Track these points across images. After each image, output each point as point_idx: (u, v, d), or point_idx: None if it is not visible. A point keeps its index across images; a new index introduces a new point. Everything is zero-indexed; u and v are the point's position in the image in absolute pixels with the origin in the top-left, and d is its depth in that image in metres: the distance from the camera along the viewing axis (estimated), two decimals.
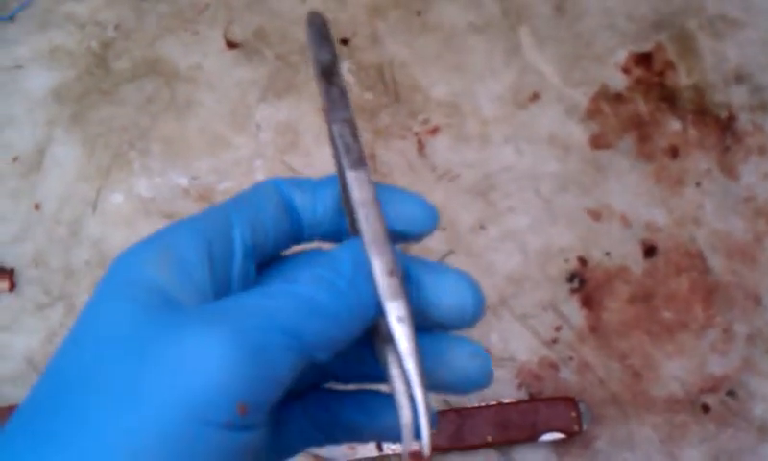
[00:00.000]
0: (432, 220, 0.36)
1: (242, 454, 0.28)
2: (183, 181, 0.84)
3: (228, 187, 0.84)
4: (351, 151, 0.33)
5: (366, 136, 0.86)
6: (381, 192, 0.33)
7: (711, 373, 0.78)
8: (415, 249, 0.75)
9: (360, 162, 0.33)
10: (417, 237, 0.35)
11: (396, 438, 0.32)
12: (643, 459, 0.75)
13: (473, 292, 0.35)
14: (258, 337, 0.28)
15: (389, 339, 0.31)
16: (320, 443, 0.36)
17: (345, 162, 0.32)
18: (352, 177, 0.32)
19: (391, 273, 0.31)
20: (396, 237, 0.34)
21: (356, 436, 0.36)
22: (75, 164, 0.86)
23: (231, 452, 0.28)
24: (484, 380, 0.35)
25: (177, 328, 0.28)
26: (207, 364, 0.27)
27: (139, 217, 0.83)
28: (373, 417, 0.34)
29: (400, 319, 0.31)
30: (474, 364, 0.35)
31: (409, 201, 0.35)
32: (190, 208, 0.83)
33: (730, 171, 0.85)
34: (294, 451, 0.36)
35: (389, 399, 0.32)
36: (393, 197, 0.34)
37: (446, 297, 0.34)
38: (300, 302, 0.30)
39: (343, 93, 0.36)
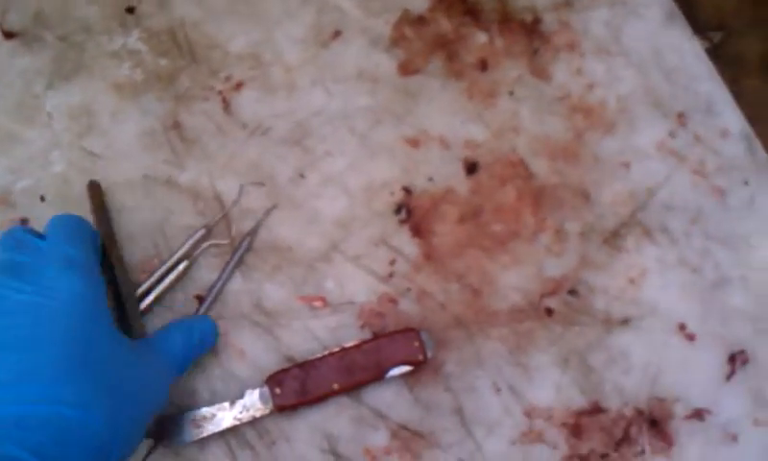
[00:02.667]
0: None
1: None
2: None
3: (26, 185, 0.82)
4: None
5: (167, 105, 0.85)
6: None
7: (550, 276, 0.79)
8: (236, 211, 0.74)
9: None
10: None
11: None
12: (495, 373, 0.76)
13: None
14: None
15: None
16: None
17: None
18: None
19: None
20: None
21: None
22: None
23: None
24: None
25: None
26: None
27: None
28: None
29: None
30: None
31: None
32: None
33: (541, 73, 0.87)
34: None
35: None
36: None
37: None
38: None
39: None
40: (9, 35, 0.89)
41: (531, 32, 0.89)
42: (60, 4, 0.90)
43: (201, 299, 0.79)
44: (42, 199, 0.82)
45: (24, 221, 0.81)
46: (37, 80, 0.87)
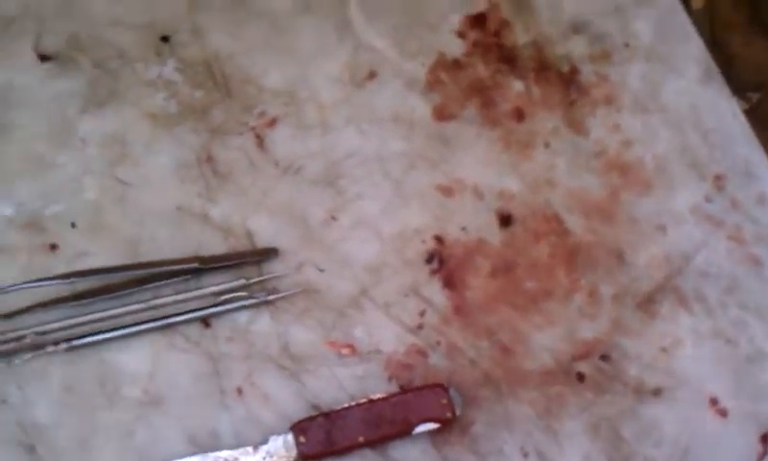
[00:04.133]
0: None
1: None
2: (8, 211, 0.81)
3: (57, 211, 0.81)
4: None
5: (201, 137, 0.85)
6: None
7: (582, 338, 0.79)
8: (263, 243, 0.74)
9: None
10: None
11: None
12: (523, 437, 0.76)
13: None
14: None
15: None
16: None
17: None
18: None
19: None
20: None
21: None
22: None
23: None
24: None
25: None
26: None
27: None
28: None
29: None
30: None
31: None
32: (17, 239, 0.80)
33: (577, 126, 0.87)
34: None
35: None
36: None
37: None
38: None
39: None
40: (44, 57, 0.88)
41: (568, 82, 0.89)
42: (94, 29, 0.90)
43: (207, 324, 0.80)
44: (73, 225, 0.82)
45: (53, 247, 0.81)
46: (71, 104, 0.87)
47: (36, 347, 0.77)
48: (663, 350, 0.79)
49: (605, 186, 0.84)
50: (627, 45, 0.91)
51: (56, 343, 0.77)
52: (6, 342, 0.77)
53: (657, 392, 0.78)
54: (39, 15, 0.89)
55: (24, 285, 0.78)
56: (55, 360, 0.77)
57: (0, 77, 0.87)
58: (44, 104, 0.86)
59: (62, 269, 0.80)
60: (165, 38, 0.89)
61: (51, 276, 0.79)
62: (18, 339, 0.77)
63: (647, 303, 0.80)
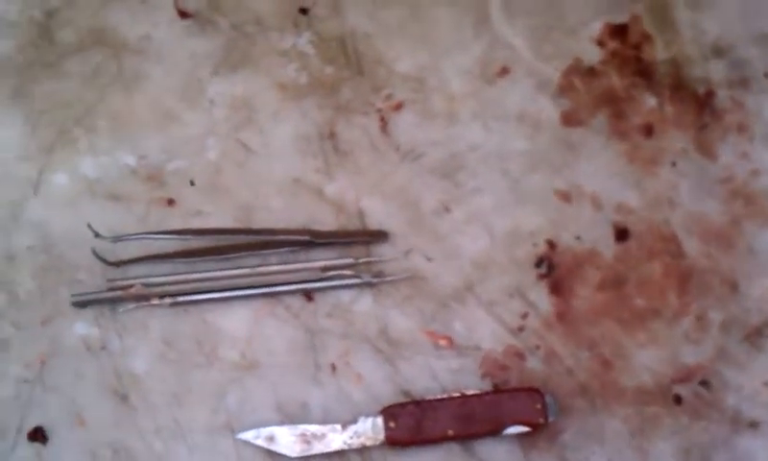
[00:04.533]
0: None
1: None
2: (131, 161, 0.83)
3: (178, 166, 0.83)
4: None
5: (327, 113, 0.85)
6: None
7: (684, 362, 0.77)
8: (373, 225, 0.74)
9: None
10: None
11: None
12: (613, 453, 0.74)
13: None
14: None
15: None
16: None
17: None
18: None
19: None
20: None
21: None
22: (15, 143, 0.84)
23: None
24: None
25: None
26: None
27: (84, 199, 0.82)
28: None
29: None
30: None
31: None
32: (138, 189, 0.82)
33: (707, 150, 0.84)
34: None
35: None
36: None
37: None
38: None
39: None
40: (183, 14, 0.90)
41: (702, 105, 0.87)
42: None
43: (310, 297, 0.81)
44: (192, 183, 0.83)
45: (171, 202, 0.82)
46: (205, 64, 0.88)
47: (142, 298, 0.79)
48: (766, 384, 0.77)
49: (727, 213, 0.82)
50: (767, 75, 0.88)
51: (161, 297, 0.79)
52: (113, 289, 0.78)
53: (753, 425, 0.76)
54: None
55: (138, 236, 0.80)
56: (157, 313, 0.79)
57: (140, 29, 0.89)
58: (178, 60, 0.88)
59: (177, 225, 0.81)
60: (304, 10, 0.90)
61: (165, 230, 0.80)
62: (125, 288, 0.79)
63: (755, 336, 0.78)
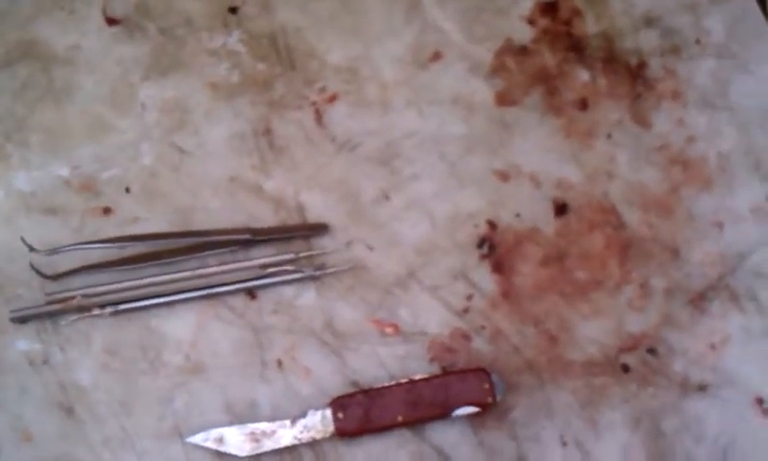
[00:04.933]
0: None
1: None
2: (65, 172, 0.82)
3: (113, 174, 0.82)
4: None
5: (260, 110, 0.84)
6: None
7: (630, 331, 0.77)
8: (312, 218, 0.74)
9: None
10: None
11: None
12: (563, 425, 0.74)
13: None
14: None
15: None
16: None
17: None
18: None
19: None
20: None
21: None
22: None
23: None
24: None
25: None
26: None
27: (20, 214, 0.81)
28: None
29: None
30: None
31: None
32: (73, 201, 0.81)
33: (642, 120, 0.84)
34: None
35: None
36: None
37: None
38: None
39: None
40: (111, 21, 0.89)
41: (635, 76, 0.87)
42: None
43: (253, 295, 0.80)
44: (128, 190, 0.82)
45: (107, 210, 0.81)
46: (134, 69, 0.87)
47: (83, 309, 0.77)
48: (712, 347, 0.77)
49: (665, 181, 0.82)
50: (698, 42, 0.88)
51: (102, 306, 0.77)
52: (53, 303, 0.77)
53: (702, 388, 0.76)
54: None
55: (75, 247, 0.78)
56: (99, 324, 0.78)
57: (68, 39, 0.88)
58: (108, 68, 0.87)
59: (114, 233, 0.80)
60: (233, 9, 0.89)
61: (100, 239, 0.79)
62: (65, 300, 0.77)
63: (698, 300, 0.78)
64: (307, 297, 0.79)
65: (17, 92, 0.86)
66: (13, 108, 0.85)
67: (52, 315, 0.77)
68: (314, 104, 0.85)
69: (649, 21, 0.89)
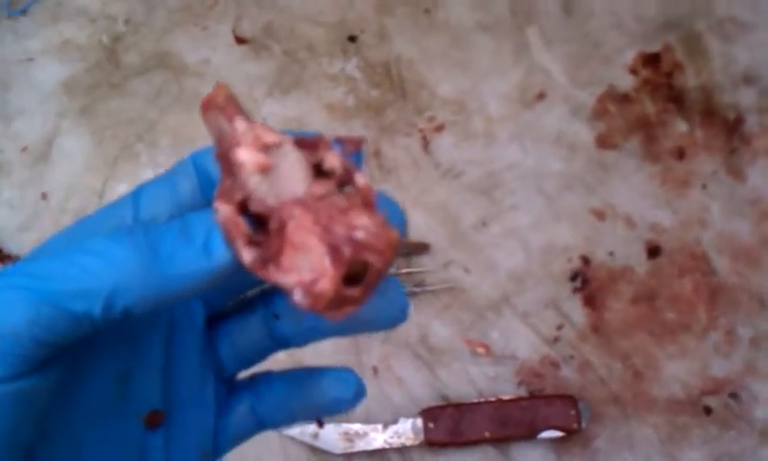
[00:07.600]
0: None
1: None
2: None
3: None
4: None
5: (371, 133, 0.84)
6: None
7: (714, 375, 0.75)
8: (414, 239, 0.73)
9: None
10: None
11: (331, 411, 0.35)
12: (643, 458, 0.72)
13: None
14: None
15: None
16: (268, 426, 0.37)
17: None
18: None
19: None
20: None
21: (296, 414, 0.36)
22: (83, 155, 0.84)
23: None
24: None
25: None
26: None
27: None
28: (307, 390, 0.35)
29: None
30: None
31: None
32: None
33: (736, 173, 0.82)
34: (243, 437, 0.37)
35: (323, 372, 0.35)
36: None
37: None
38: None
39: None
40: (240, 40, 0.89)
41: (732, 130, 0.85)
42: (288, 20, 0.90)
43: None
44: None
45: None
46: (259, 86, 0.87)
47: None
48: None
49: (756, 233, 0.80)
50: None
51: None
52: None
53: None
54: (240, 1, 0.91)
55: None
56: None
57: (200, 53, 0.89)
58: (235, 82, 0.87)
59: None
60: (352, 38, 0.89)
61: None
62: None
63: None
64: None
65: (151, 98, 0.86)
66: (146, 111, 0.86)
67: None
68: (422, 131, 0.85)
69: (748, 79, 0.87)
